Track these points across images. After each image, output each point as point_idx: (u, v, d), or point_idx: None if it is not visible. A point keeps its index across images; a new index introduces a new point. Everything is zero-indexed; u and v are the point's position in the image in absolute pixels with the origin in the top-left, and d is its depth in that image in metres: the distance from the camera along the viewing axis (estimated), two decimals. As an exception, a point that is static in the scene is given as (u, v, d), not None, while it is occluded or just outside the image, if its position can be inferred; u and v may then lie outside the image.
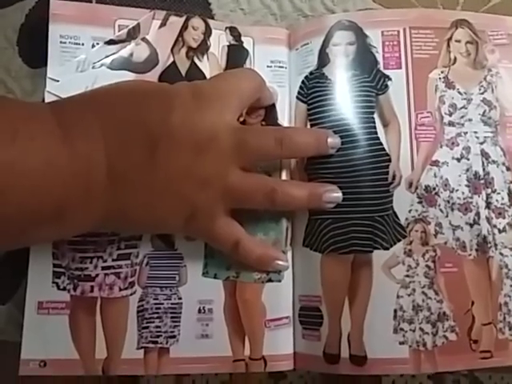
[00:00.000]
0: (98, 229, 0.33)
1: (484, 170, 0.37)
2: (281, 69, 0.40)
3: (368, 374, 0.35)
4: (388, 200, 0.36)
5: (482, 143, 0.37)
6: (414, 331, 0.35)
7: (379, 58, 0.38)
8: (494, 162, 0.37)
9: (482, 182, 0.37)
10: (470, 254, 0.36)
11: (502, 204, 0.37)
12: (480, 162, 0.37)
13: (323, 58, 0.39)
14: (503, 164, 0.37)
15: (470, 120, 0.38)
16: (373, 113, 0.37)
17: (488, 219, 0.37)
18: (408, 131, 0.37)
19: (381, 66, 0.38)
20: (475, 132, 0.38)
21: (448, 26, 0.39)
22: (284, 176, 0.38)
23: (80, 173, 0.28)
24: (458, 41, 0.39)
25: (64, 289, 0.35)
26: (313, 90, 0.39)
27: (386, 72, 0.38)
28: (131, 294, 0.36)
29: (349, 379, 0.36)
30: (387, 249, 0.36)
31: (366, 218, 0.36)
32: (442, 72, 0.38)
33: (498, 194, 0.37)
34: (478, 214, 0.37)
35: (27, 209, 0.27)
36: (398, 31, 0.38)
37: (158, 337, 0.36)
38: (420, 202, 0.36)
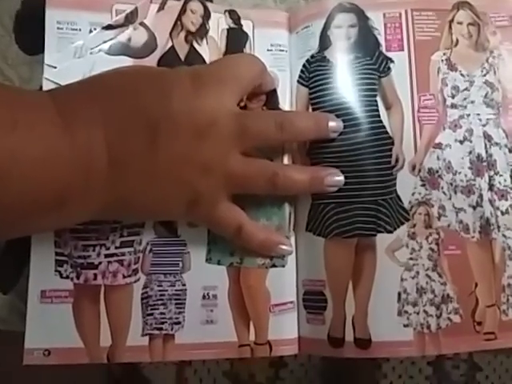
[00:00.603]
0: (100, 217, 0.33)
1: (487, 152, 0.37)
2: (281, 52, 0.39)
3: (373, 357, 0.35)
4: (391, 183, 0.36)
5: (484, 125, 0.37)
6: (418, 314, 0.35)
7: (381, 40, 0.38)
8: (496, 144, 0.37)
9: (485, 164, 0.37)
10: (473, 237, 0.36)
11: (504, 186, 0.37)
12: (483, 144, 0.37)
13: (324, 41, 0.38)
14: (505, 146, 0.37)
15: (472, 102, 0.37)
16: (375, 95, 0.37)
17: (491, 201, 0.36)
18: (411, 114, 0.37)
19: (383, 49, 0.37)
20: (478, 114, 0.37)
21: (449, 8, 0.38)
22: (286, 161, 0.38)
23: (81, 161, 0.28)
24: (460, 23, 0.38)
25: (67, 277, 0.35)
26: (314, 73, 0.38)
27: (389, 54, 0.37)
28: (135, 282, 0.35)
29: (349, 365, 0.37)
30: (391, 232, 0.35)
31: (369, 202, 0.36)
32: (444, 54, 0.38)
33: (501, 176, 0.37)
34: (480, 196, 0.36)
35: (28, 197, 0.27)
36: (400, 13, 0.38)
37: (162, 323, 0.35)
38: (423, 185, 0.36)
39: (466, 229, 0.36)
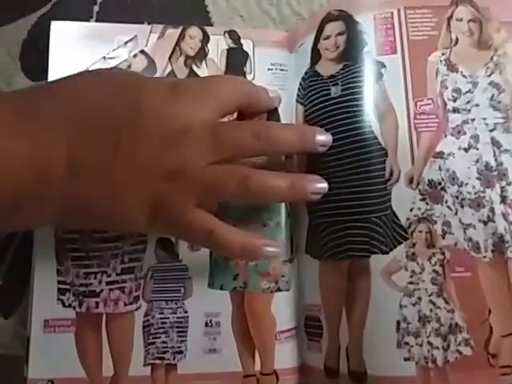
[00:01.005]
0: (60, 223, 0.32)
1: (496, 160, 0.33)
2: (282, 72, 0.39)
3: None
4: (385, 199, 0.32)
5: (491, 130, 0.33)
6: (421, 345, 0.31)
7: (372, 44, 0.35)
8: (506, 150, 0.33)
9: (495, 173, 0.33)
10: (484, 256, 0.32)
11: (519, 198, 0.32)
12: (491, 151, 0.33)
13: (314, 55, 0.37)
14: (518, 152, 0.33)
15: (477, 105, 0.33)
16: (364, 104, 0.34)
17: (504, 215, 0.32)
18: (406, 121, 0.33)
19: (373, 53, 0.35)
20: (484, 118, 0.33)
21: (448, 4, 0.35)
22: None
23: (37, 164, 0.27)
24: (460, 19, 0.35)
25: (69, 306, 0.35)
26: (307, 89, 0.37)
27: (380, 58, 0.34)
28: (136, 309, 0.35)
29: None
30: (386, 253, 0.32)
31: (361, 220, 0.32)
32: (442, 54, 0.34)
33: (514, 186, 0.33)
34: (492, 209, 0.32)
35: None
36: (392, 13, 0.35)
37: (164, 353, 0.34)
38: (423, 199, 0.32)
39: (476, 247, 0.32)
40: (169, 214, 0.30)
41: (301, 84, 0.37)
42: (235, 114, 0.33)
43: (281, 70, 0.39)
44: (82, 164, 0.28)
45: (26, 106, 0.28)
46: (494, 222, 0.32)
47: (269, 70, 0.39)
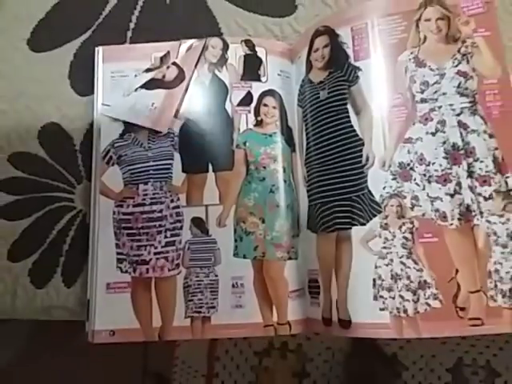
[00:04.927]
0: None
1: (463, 140, 0.36)
2: (287, 79, 0.45)
3: (354, 336, 0.38)
4: (363, 180, 0.38)
5: (458, 114, 0.37)
6: (393, 298, 0.36)
7: (350, 52, 0.40)
8: (473, 131, 0.36)
9: (462, 152, 0.36)
10: (451, 224, 0.36)
11: (486, 172, 0.36)
12: (458, 133, 0.36)
13: (308, 66, 0.43)
14: (485, 132, 0.36)
15: (444, 94, 0.37)
16: (346, 104, 0.40)
17: (471, 188, 0.36)
18: (379, 114, 0.38)
19: (351, 60, 0.40)
20: (451, 105, 0.37)
21: (416, 8, 0.39)
22: (281, 165, 0.43)
23: None
24: (428, 19, 0.38)
25: (126, 272, 0.43)
26: (303, 95, 0.43)
27: (357, 64, 0.40)
28: (178, 274, 0.43)
29: (368, 372, 0.39)
30: (364, 224, 0.38)
31: (344, 199, 0.39)
32: (411, 53, 0.38)
33: (482, 162, 0.36)
34: (459, 183, 0.36)
35: None
36: (367, 23, 0.40)
37: (200, 307, 0.42)
38: (394, 179, 0.37)
39: (443, 217, 0.36)
40: None
41: (299, 90, 0.43)
42: None
43: (286, 77, 0.45)
44: None
45: None
46: (460, 194, 0.36)
47: (278, 75, 0.45)
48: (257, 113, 0.44)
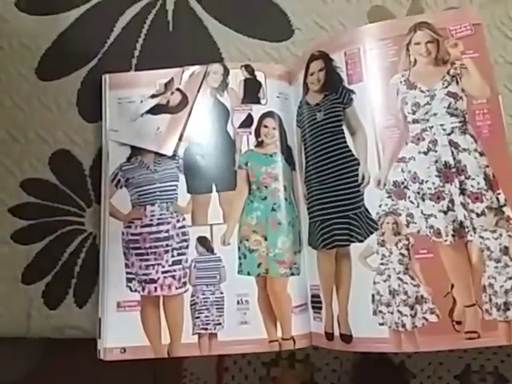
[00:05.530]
0: None
1: (455, 158, 0.38)
2: (286, 100, 0.47)
3: (355, 351, 0.39)
4: (360, 198, 0.40)
5: (449, 134, 0.38)
6: (392, 313, 0.37)
7: (344, 76, 0.42)
8: (464, 149, 0.38)
9: (454, 170, 0.37)
10: (445, 240, 0.37)
11: (478, 189, 0.37)
12: (449, 151, 0.38)
13: (305, 88, 0.44)
14: (475, 150, 0.37)
15: (435, 114, 0.38)
16: (341, 125, 0.41)
17: (464, 205, 0.37)
18: (373, 135, 0.40)
19: (345, 83, 0.42)
20: (442, 125, 0.38)
21: (406, 32, 0.40)
22: (282, 184, 0.45)
23: None
24: (418, 43, 0.40)
25: (135, 290, 0.44)
26: (301, 116, 0.45)
27: (351, 87, 0.41)
28: (185, 292, 0.44)
29: (377, 382, 0.40)
30: (362, 241, 0.39)
31: (342, 217, 0.40)
32: (402, 76, 0.40)
33: (473, 179, 0.37)
34: (451, 201, 0.37)
35: None
36: (359, 48, 0.41)
37: (207, 324, 0.44)
38: (389, 197, 0.39)
39: (437, 233, 0.37)
40: None
41: (298, 111, 0.45)
42: None
43: (285, 98, 0.47)
44: None
45: None
46: (453, 211, 0.37)
47: (277, 97, 0.46)
48: (257, 134, 0.46)
